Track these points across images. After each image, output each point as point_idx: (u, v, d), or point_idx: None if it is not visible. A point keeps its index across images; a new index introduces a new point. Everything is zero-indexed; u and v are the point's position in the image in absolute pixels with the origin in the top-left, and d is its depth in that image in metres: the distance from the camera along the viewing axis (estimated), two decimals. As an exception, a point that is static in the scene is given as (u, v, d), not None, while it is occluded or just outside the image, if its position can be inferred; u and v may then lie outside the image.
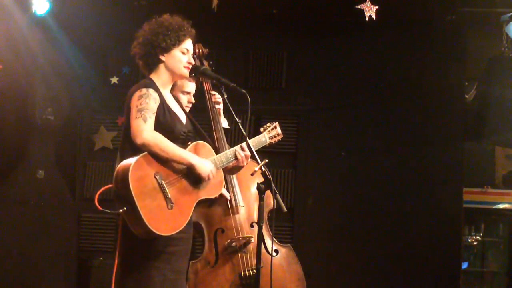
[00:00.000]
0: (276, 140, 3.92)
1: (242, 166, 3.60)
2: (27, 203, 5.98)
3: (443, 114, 5.99)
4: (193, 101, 4.09)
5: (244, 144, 3.55)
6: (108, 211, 3.20)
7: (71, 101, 6.29)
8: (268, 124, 3.93)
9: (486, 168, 7.43)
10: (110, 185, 3.30)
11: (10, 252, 5.87)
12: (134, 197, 3.09)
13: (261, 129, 3.89)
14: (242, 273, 4.10)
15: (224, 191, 4.16)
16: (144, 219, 3.09)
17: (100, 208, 3.21)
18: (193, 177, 3.33)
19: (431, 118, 5.99)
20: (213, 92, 4.32)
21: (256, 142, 3.73)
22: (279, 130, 3.93)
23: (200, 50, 4.38)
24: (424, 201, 5.90)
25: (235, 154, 3.52)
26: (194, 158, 3.30)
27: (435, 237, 5.85)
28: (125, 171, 3.13)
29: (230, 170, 3.65)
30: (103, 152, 6.29)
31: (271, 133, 3.89)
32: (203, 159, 3.36)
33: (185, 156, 3.29)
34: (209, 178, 3.34)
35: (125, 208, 3.11)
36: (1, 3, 5.52)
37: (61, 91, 6.18)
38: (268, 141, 3.85)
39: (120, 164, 3.22)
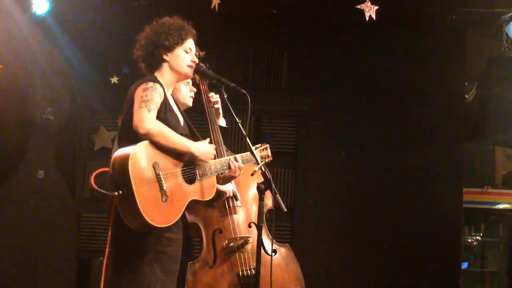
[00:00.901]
0: (266, 161, 3.88)
1: (235, 177, 3.64)
2: (27, 203, 5.99)
3: (443, 114, 5.98)
4: (195, 90, 4.13)
5: (238, 156, 3.61)
6: (104, 191, 3.18)
7: (71, 101, 6.30)
8: (260, 145, 4.01)
9: (486, 168, 7.43)
10: (106, 168, 3.29)
11: (10, 252, 5.87)
12: (132, 182, 3.07)
13: (253, 148, 3.92)
14: (241, 273, 4.10)
15: (228, 188, 4.16)
16: (139, 206, 3.07)
17: (96, 187, 3.19)
18: (189, 175, 3.34)
19: (431, 118, 5.99)
20: (210, 94, 4.33)
21: (249, 156, 3.72)
22: (269, 152, 4.03)
23: (197, 53, 4.38)
24: (424, 201, 5.90)
25: (229, 164, 3.56)
26: (195, 147, 3.33)
27: (435, 237, 5.84)
28: (125, 157, 3.12)
29: (222, 180, 3.67)
30: (103, 152, 6.29)
31: (262, 152, 3.99)
32: (203, 144, 3.40)
33: (188, 144, 3.31)
34: (213, 158, 3.41)
35: (120, 192, 3.10)
36: (1, 3, 5.53)
37: (61, 91, 6.19)
38: (259, 159, 3.81)
39: (118, 150, 3.22)
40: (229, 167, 3.57)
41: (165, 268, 3.32)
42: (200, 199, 3.42)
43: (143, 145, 3.18)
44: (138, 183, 3.10)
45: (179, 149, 3.28)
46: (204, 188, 3.42)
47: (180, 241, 3.42)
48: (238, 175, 3.62)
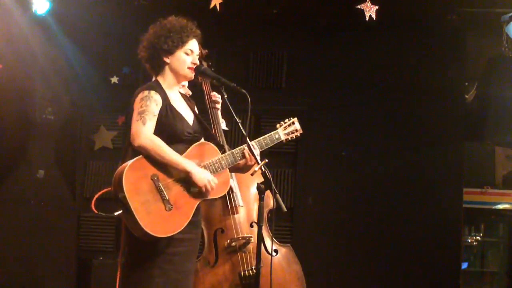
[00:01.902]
0: (294, 136, 3.73)
1: (252, 165, 3.52)
2: (27, 202, 5.98)
3: (443, 114, 5.99)
4: (190, 92, 4.10)
5: (252, 142, 3.51)
6: (104, 214, 3.19)
7: (71, 101, 6.29)
8: (286, 120, 3.75)
9: (486, 168, 7.43)
10: (107, 189, 3.29)
11: (10, 252, 5.86)
12: (128, 199, 3.08)
13: (277, 126, 3.74)
14: (242, 273, 4.10)
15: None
16: (139, 221, 3.08)
17: (96, 211, 3.20)
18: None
19: (431, 118, 5.99)
20: (213, 93, 4.32)
21: (268, 140, 3.61)
22: (297, 126, 3.74)
23: (199, 51, 4.38)
24: (424, 201, 5.90)
25: (243, 153, 3.48)
26: (191, 166, 3.26)
27: (435, 237, 5.85)
28: (121, 173, 3.13)
29: (241, 169, 3.57)
30: (103, 152, 6.31)
31: (287, 129, 3.71)
32: (201, 169, 3.32)
33: (182, 164, 3.25)
34: (206, 189, 3.29)
35: (120, 211, 3.11)
36: (1, 3, 5.52)
37: (61, 91, 6.18)
38: (283, 137, 3.68)
39: (119, 167, 3.22)
40: (244, 156, 3.47)
41: (179, 268, 3.32)
42: (212, 197, 3.38)
43: (139, 159, 3.18)
44: (134, 198, 3.10)
45: (173, 166, 3.23)
46: (217, 186, 3.35)
47: (194, 240, 3.41)
48: (254, 163, 3.49)
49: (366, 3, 5.18)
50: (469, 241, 7.32)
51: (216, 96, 4.28)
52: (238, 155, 3.47)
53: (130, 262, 3.31)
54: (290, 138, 3.75)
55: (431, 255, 5.83)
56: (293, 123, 3.76)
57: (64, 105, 6.23)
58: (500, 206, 7.34)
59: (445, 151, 5.94)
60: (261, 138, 3.58)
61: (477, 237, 7.39)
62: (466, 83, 6.32)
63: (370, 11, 5.20)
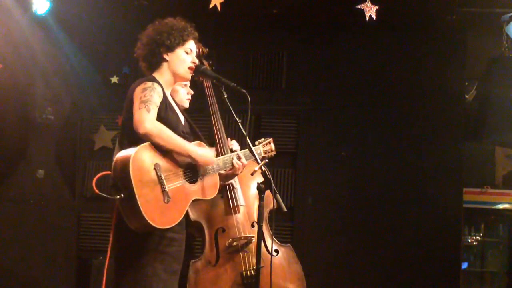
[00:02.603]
0: (269, 155, 4.04)
1: (237, 174, 3.67)
2: (27, 202, 5.98)
3: (443, 114, 5.99)
4: (192, 92, 4.13)
5: (240, 153, 3.60)
6: (106, 195, 3.19)
7: (71, 101, 6.29)
8: (263, 139, 4.06)
9: (486, 168, 7.44)
10: (108, 172, 3.29)
11: (10, 252, 5.86)
12: (133, 185, 3.08)
13: (256, 143, 4.03)
14: (243, 273, 4.10)
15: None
16: (141, 208, 3.07)
17: (97, 191, 3.20)
18: (191, 175, 3.35)
19: (431, 118, 5.99)
20: (230, 143, 4.31)
21: (252, 152, 3.72)
22: (272, 146, 4.08)
23: (200, 50, 4.39)
24: (424, 201, 5.90)
25: (232, 162, 3.58)
26: (195, 151, 3.33)
27: (435, 237, 5.84)
28: (126, 159, 3.12)
29: (225, 177, 3.68)
30: (103, 152, 6.30)
31: (265, 147, 4.02)
32: (204, 149, 3.41)
33: (188, 148, 3.31)
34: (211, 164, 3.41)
35: (122, 195, 3.11)
36: (1, 3, 5.51)
37: (61, 91, 6.18)
38: (263, 154, 3.99)
39: (120, 153, 3.22)
40: (232, 165, 3.58)
41: (168, 268, 3.32)
42: (202, 198, 3.42)
43: (144, 146, 3.19)
44: (139, 185, 3.10)
45: (178, 152, 3.29)
46: (206, 187, 3.42)
47: (183, 241, 3.43)
48: (241, 172, 3.63)
49: (366, 3, 5.18)
50: (469, 241, 7.33)
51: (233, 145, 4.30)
52: (227, 162, 3.58)
53: (122, 261, 3.30)
54: (266, 156, 4.02)
55: (431, 255, 5.83)
56: (270, 143, 4.09)
57: (64, 105, 6.23)
58: (500, 206, 7.35)
59: (445, 151, 5.93)
60: (246, 150, 3.69)
61: (477, 237, 7.41)
62: (466, 83, 6.32)
63: (370, 11, 5.20)
